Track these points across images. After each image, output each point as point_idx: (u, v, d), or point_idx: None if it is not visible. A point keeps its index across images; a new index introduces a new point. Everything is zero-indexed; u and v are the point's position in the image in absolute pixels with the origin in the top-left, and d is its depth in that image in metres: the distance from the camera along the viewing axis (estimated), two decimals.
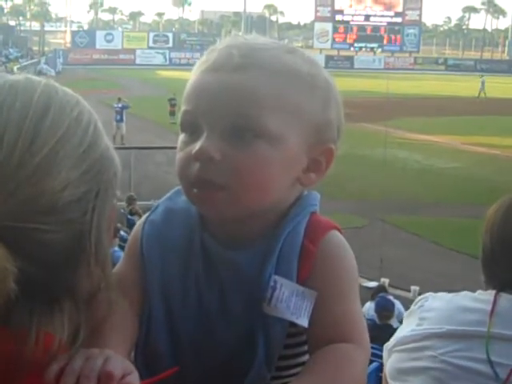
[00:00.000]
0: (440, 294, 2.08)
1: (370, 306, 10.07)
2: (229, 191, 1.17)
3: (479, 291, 2.00)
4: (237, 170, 1.16)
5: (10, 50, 75.72)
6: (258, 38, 1.26)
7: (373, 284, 13.23)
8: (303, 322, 1.20)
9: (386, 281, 13.30)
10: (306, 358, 1.27)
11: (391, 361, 2.06)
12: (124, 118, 29.22)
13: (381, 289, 11.32)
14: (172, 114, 30.94)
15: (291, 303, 1.20)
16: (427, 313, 2.01)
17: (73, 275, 1.01)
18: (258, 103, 1.16)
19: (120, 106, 29.41)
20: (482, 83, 54.20)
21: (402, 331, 2.07)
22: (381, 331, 7.01)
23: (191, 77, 1.24)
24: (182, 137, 1.23)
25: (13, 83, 1.01)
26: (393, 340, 2.07)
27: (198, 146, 1.16)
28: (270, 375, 1.23)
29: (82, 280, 1.03)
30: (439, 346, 1.91)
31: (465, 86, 59.49)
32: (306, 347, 1.27)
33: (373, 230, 16.94)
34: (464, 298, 2.00)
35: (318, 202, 1.31)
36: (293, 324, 1.21)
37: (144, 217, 1.35)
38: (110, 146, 1.08)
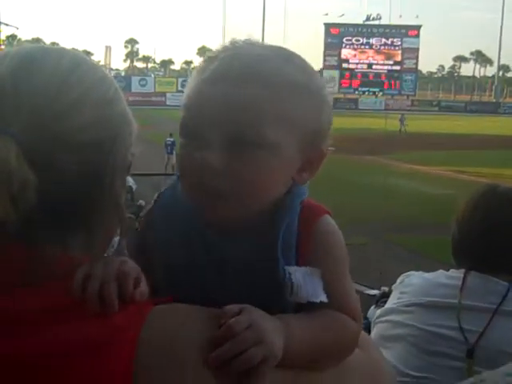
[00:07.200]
0: (419, 273, 2.15)
1: (373, 310, 9.92)
2: (231, 198, 1.10)
3: (452, 270, 2.07)
4: (238, 179, 1.09)
5: None
6: (256, 47, 1.17)
7: (374, 292, 13.15)
8: (323, 298, 1.15)
9: (385, 289, 13.18)
10: None
11: (376, 330, 2.11)
12: (174, 151, 29.56)
13: (384, 295, 11.14)
14: None
15: (307, 286, 1.14)
16: (407, 287, 2.08)
17: (88, 205, 1.05)
18: (258, 116, 1.09)
19: (172, 140, 29.89)
20: (401, 121, 54.91)
21: (386, 305, 2.14)
22: None
23: (190, 83, 1.15)
24: (182, 141, 1.15)
25: (48, 47, 1.10)
26: (378, 312, 2.15)
27: (200, 156, 1.09)
28: None
29: (95, 210, 1.06)
30: (417, 315, 1.97)
31: (456, 124, 59.43)
32: None
33: (373, 247, 17.02)
34: (439, 276, 2.07)
35: (306, 189, 1.24)
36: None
37: (155, 196, 1.28)
38: (129, 112, 1.12)
